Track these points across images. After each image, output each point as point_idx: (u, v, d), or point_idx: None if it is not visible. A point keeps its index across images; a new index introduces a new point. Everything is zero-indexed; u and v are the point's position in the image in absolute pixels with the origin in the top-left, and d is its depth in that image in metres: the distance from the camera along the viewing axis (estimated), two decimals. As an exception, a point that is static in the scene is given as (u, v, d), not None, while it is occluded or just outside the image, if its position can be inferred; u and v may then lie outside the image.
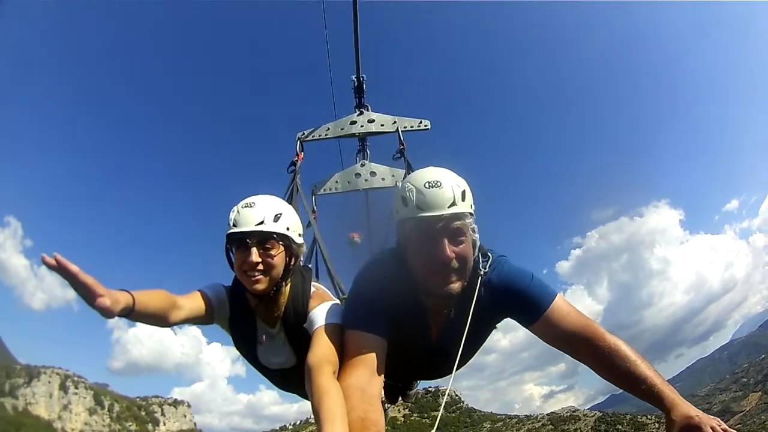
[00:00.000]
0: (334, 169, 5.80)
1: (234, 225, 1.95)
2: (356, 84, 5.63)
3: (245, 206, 1.99)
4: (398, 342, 1.82)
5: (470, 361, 2.22)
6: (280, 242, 1.98)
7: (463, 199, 1.72)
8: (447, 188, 1.69)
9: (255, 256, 1.92)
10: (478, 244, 1.82)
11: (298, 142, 5.27)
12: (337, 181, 5.61)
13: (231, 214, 1.99)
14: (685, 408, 1.57)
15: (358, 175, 5.62)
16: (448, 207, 1.67)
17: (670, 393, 1.61)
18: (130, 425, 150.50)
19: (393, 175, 5.58)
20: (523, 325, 1.90)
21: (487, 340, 2.15)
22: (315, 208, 5.27)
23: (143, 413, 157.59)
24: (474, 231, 1.78)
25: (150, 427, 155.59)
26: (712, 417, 1.55)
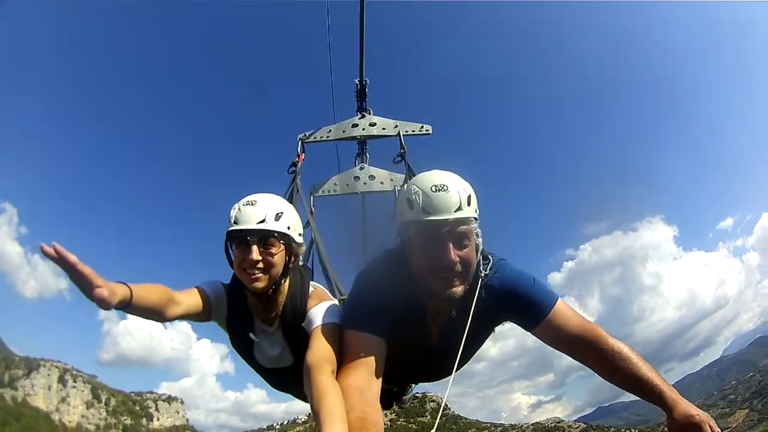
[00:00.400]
0: (333, 171, 5.81)
1: (235, 222, 1.93)
2: (359, 87, 5.66)
3: (247, 204, 1.97)
4: (398, 343, 1.82)
5: (465, 365, 2.21)
6: (281, 241, 1.97)
7: (469, 204, 1.73)
8: (453, 192, 1.70)
9: (255, 254, 1.91)
10: (481, 248, 1.83)
11: (300, 143, 5.31)
12: (335, 183, 5.60)
13: (232, 211, 1.97)
14: (686, 407, 1.65)
15: (356, 178, 5.62)
16: (455, 211, 1.68)
17: (672, 393, 1.69)
18: (125, 419, 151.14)
19: (392, 180, 5.58)
20: (524, 329, 1.93)
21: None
22: (313, 209, 5.26)
23: (138, 408, 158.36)
24: (477, 235, 1.79)
25: (144, 421, 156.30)
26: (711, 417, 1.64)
